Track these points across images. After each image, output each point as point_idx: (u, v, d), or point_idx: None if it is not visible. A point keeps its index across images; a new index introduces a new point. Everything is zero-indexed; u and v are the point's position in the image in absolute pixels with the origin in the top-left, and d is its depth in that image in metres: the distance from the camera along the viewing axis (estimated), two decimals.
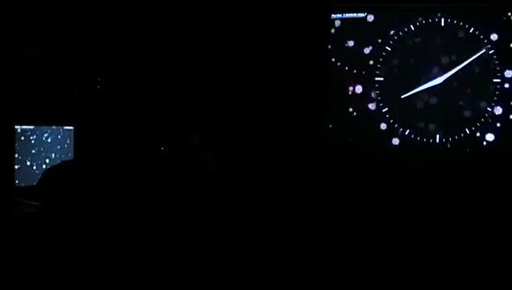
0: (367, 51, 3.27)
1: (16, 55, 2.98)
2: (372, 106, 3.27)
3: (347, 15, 3.32)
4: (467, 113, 3.02)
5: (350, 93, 3.32)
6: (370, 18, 3.26)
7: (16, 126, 2.80)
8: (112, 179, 1.79)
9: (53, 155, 2.91)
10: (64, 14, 3.16)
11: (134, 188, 1.79)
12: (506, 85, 2.92)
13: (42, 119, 2.91)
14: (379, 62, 3.24)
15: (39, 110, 2.99)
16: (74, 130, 2.98)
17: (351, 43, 3.32)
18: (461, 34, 3.02)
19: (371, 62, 3.26)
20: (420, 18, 3.13)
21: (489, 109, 2.96)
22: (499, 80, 2.93)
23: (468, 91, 3.01)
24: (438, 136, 3.10)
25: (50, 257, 1.64)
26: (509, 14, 2.89)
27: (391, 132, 3.22)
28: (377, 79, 3.24)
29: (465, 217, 2.88)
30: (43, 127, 2.89)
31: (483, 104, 2.98)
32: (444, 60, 3.07)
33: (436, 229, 2.90)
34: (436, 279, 2.70)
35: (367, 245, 2.89)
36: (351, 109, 3.32)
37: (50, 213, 1.71)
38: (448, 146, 3.07)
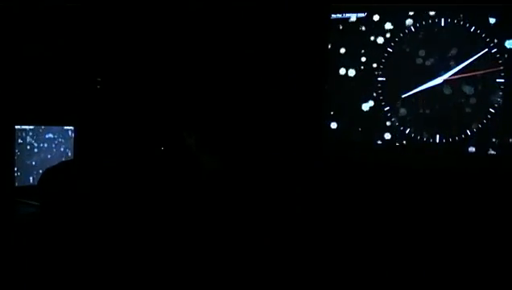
0: (368, 51, 3.27)
1: (16, 55, 2.98)
2: (373, 106, 3.27)
3: (347, 15, 3.32)
4: (468, 113, 3.02)
5: (351, 92, 3.33)
6: (371, 18, 3.26)
7: (16, 126, 2.79)
8: (112, 179, 1.79)
9: (53, 155, 2.90)
10: (64, 14, 3.16)
11: (134, 188, 1.79)
12: (509, 84, 2.92)
13: (42, 119, 2.91)
14: (381, 62, 3.24)
15: (39, 110, 2.98)
16: (74, 130, 2.98)
17: (352, 44, 3.32)
18: (462, 34, 3.03)
19: (373, 62, 3.26)
20: (421, 19, 3.13)
21: (491, 110, 2.96)
22: (502, 80, 2.93)
23: (470, 91, 3.01)
24: (438, 136, 3.10)
25: (50, 257, 1.63)
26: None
27: (392, 132, 3.22)
28: (379, 79, 3.24)
29: (465, 217, 2.87)
30: (43, 127, 2.89)
31: (485, 104, 2.98)
32: (445, 59, 3.08)
33: (436, 228, 2.90)
34: (436, 279, 2.69)
35: (367, 244, 2.89)
36: (351, 109, 3.33)
37: (50, 213, 1.71)
38: (448, 146, 3.07)
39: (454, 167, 3.04)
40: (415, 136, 3.16)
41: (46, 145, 2.89)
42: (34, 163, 2.84)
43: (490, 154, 2.96)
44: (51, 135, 2.90)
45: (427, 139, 3.12)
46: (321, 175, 3.30)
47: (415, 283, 2.68)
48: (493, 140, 2.96)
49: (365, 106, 3.29)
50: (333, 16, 3.36)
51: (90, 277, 1.62)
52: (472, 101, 3.01)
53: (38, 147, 2.85)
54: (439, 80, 3.09)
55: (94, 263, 1.64)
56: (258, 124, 3.39)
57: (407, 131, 3.18)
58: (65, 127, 2.96)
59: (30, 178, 2.80)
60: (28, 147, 2.82)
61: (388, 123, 3.23)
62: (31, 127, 2.84)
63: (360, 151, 3.30)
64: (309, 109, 3.42)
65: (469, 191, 2.91)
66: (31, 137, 2.83)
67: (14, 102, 2.92)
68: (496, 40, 2.94)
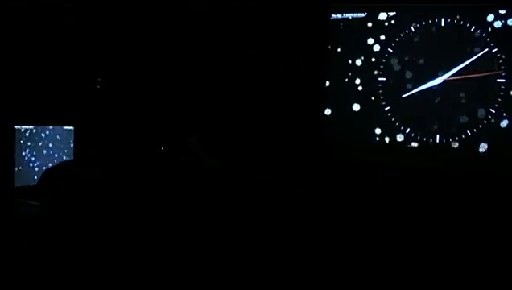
0: (368, 51, 3.27)
1: (16, 55, 2.97)
2: (373, 106, 3.27)
3: (347, 15, 3.32)
4: (468, 114, 3.02)
5: (351, 92, 3.33)
6: (371, 17, 3.26)
7: (16, 126, 2.79)
8: (112, 179, 1.78)
9: (53, 155, 2.90)
10: (64, 14, 3.16)
11: (134, 188, 1.79)
12: (509, 85, 2.92)
13: (42, 119, 2.91)
14: (381, 62, 3.24)
15: (39, 110, 2.98)
16: (74, 130, 2.98)
17: (352, 44, 3.32)
18: (462, 34, 3.02)
19: (373, 62, 3.26)
20: (421, 19, 3.13)
21: (492, 111, 2.95)
22: (503, 81, 2.92)
23: (470, 91, 3.01)
24: (438, 136, 3.10)
25: (50, 257, 1.63)
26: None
27: (392, 132, 3.22)
28: (379, 79, 3.24)
29: (465, 217, 2.87)
30: (43, 127, 2.89)
31: (485, 104, 2.97)
32: (445, 60, 3.07)
33: (436, 229, 2.89)
34: (436, 279, 2.69)
35: (367, 245, 2.88)
36: (352, 109, 3.32)
37: (50, 213, 1.71)
38: (448, 146, 3.06)
39: (454, 167, 3.04)
40: (415, 136, 3.16)
41: (46, 145, 2.89)
42: (34, 163, 2.84)
43: (490, 154, 2.96)
44: (51, 135, 2.90)
45: (427, 139, 3.12)
46: (321, 175, 3.29)
47: (415, 283, 2.68)
48: (494, 140, 2.95)
49: (366, 106, 3.29)
50: (333, 16, 3.36)
51: (90, 277, 1.62)
52: (473, 101, 3.01)
53: (38, 147, 2.85)
54: (439, 81, 3.09)
55: (95, 263, 1.63)
56: (258, 124, 3.39)
57: (407, 131, 3.18)
58: (65, 127, 2.96)
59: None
60: (28, 147, 2.82)
61: (388, 123, 3.23)
62: (31, 127, 2.84)
63: (360, 151, 3.30)
64: (309, 109, 3.42)
65: (469, 191, 2.91)
66: (31, 137, 2.82)
67: (14, 102, 2.92)
68: (499, 40, 2.93)
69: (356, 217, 3.03)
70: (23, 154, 2.81)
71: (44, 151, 2.88)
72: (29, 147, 2.83)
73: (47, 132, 2.90)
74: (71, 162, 2.13)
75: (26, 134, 2.82)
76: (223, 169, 1.92)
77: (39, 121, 2.89)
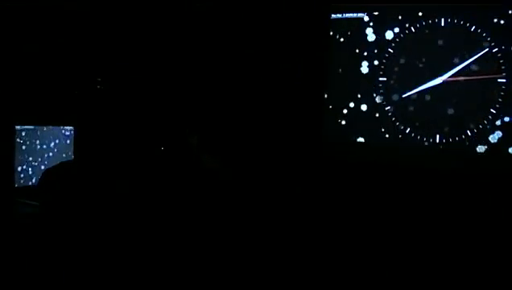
0: (369, 51, 3.27)
1: (16, 55, 2.98)
2: (374, 106, 3.27)
3: (347, 15, 3.32)
4: (468, 114, 3.02)
5: (351, 92, 3.32)
6: (371, 18, 3.26)
7: (16, 126, 2.79)
8: (111, 179, 1.78)
9: (53, 155, 2.90)
10: (64, 15, 3.16)
11: (134, 188, 1.79)
12: (510, 85, 2.91)
13: (42, 119, 2.91)
14: (382, 62, 3.24)
15: (39, 110, 2.98)
16: (74, 130, 2.97)
17: (352, 44, 3.32)
18: (462, 33, 3.02)
19: (374, 62, 3.26)
20: (421, 19, 3.13)
21: (492, 111, 2.95)
22: (504, 81, 2.92)
23: (470, 91, 3.01)
24: (438, 136, 3.10)
25: (50, 256, 1.63)
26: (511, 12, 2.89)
27: (392, 131, 3.22)
28: (380, 79, 3.24)
29: (465, 217, 2.87)
30: (43, 127, 2.89)
31: (485, 104, 2.97)
32: (445, 59, 3.07)
33: (435, 228, 2.90)
34: (435, 279, 2.69)
35: (367, 244, 2.88)
36: (352, 109, 3.32)
37: (50, 213, 1.71)
38: (448, 146, 3.06)
39: (454, 167, 3.03)
40: (415, 136, 3.15)
41: (46, 145, 2.88)
42: (34, 163, 2.84)
43: (490, 154, 2.96)
44: (51, 135, 2.90)
45: (427, 139, 3.12)
46: (321, 175, 3.29)
47: (415, 282, 2.68)
48: (494, 140, 2.95)
49: (366, 106, 3.29)
50: (333, 16, 3.36)
51: (90, 276, 1.62)
52: (473, 101, 3.00)
53: (38, 147, 2.85)
54: (439, 81, 3.08)
55: (94, 262, 1.64)
56: (258, 125, 3.39)
57: (407, 131, 3.17)
58: (65, 127, 2.96)
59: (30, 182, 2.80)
60: (28, 147, 2.82)
61: (388, 123, 3.23)
62: (31, 127, 2.84)
63: (360, 151, 3.29)
64: (309, 109, 3.42)
65: (469, 191, 2.91)
66: (31, 137, 2.82)
67: (14, 102, 2.92)
68: (500, 40, 2.92)
69: (356, 217, 3.03)
70: (23, 154, 2.81)
71: (44, 151, 2.88)
72: (29, 147, 2.83)
73: (48, 132, 2.89)
74: (70, 162, 2.13)
75: (27, 134, 2.82)
76: (223, 169, 1.92)
77: (39, 121, 2.88)
